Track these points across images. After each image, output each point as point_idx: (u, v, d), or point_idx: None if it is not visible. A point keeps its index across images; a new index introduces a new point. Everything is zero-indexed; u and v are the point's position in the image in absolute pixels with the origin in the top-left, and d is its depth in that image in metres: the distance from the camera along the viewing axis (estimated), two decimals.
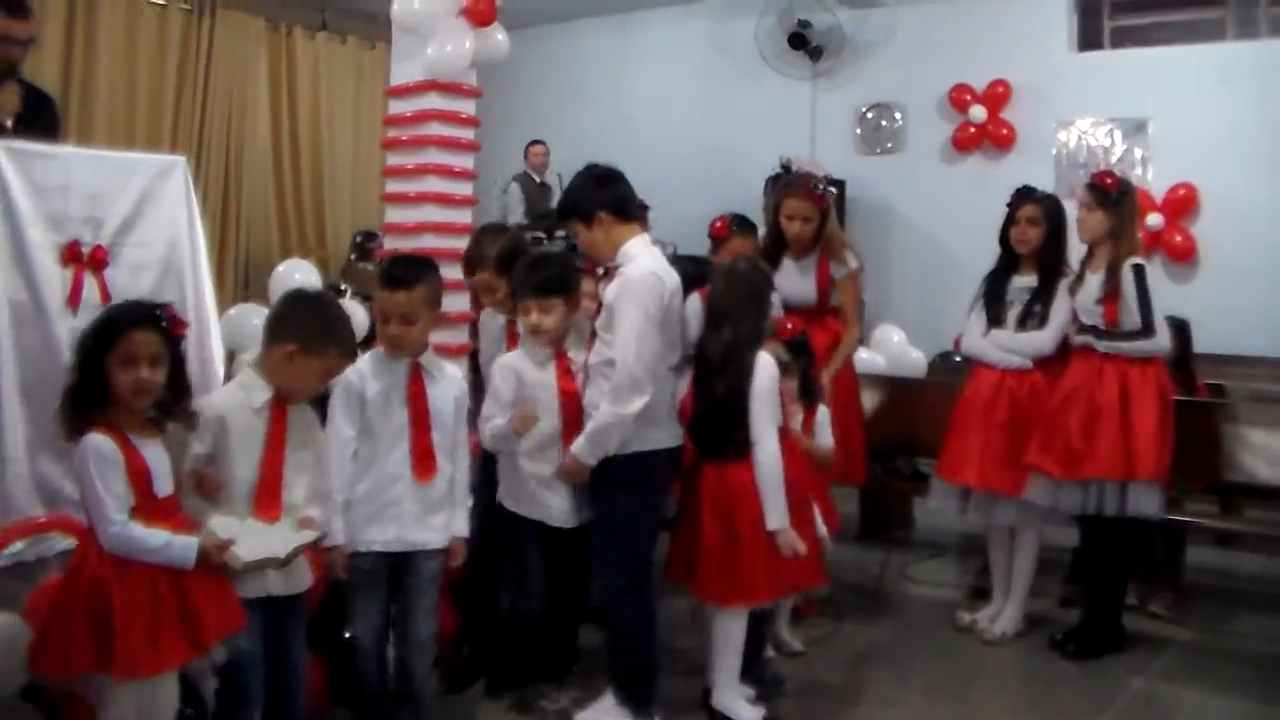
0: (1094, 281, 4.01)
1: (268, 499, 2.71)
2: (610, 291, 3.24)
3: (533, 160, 8.80)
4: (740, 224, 4.32)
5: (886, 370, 5.49)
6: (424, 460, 3.00)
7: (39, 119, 3.97)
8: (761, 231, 4.45)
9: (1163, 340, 3.96)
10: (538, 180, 8.77)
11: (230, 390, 2.80)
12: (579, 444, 3.22)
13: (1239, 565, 5.29)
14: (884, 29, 8.39)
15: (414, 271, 3.03)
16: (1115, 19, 7.88)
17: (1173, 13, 7.70)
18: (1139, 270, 3.93)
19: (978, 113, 7.90)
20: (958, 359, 5.75)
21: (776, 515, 3.22)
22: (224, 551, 2.51)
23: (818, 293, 4.38)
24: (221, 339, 3.92)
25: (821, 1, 8.28)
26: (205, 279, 3.71)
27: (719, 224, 4.31)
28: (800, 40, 8.41)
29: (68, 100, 7.87)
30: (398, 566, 3.03)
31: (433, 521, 3.03)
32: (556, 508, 3.31)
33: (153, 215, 3.51)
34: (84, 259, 3.33)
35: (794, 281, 4.34)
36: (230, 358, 4.09)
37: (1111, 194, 4.01)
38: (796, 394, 3.77)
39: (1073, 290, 4.07)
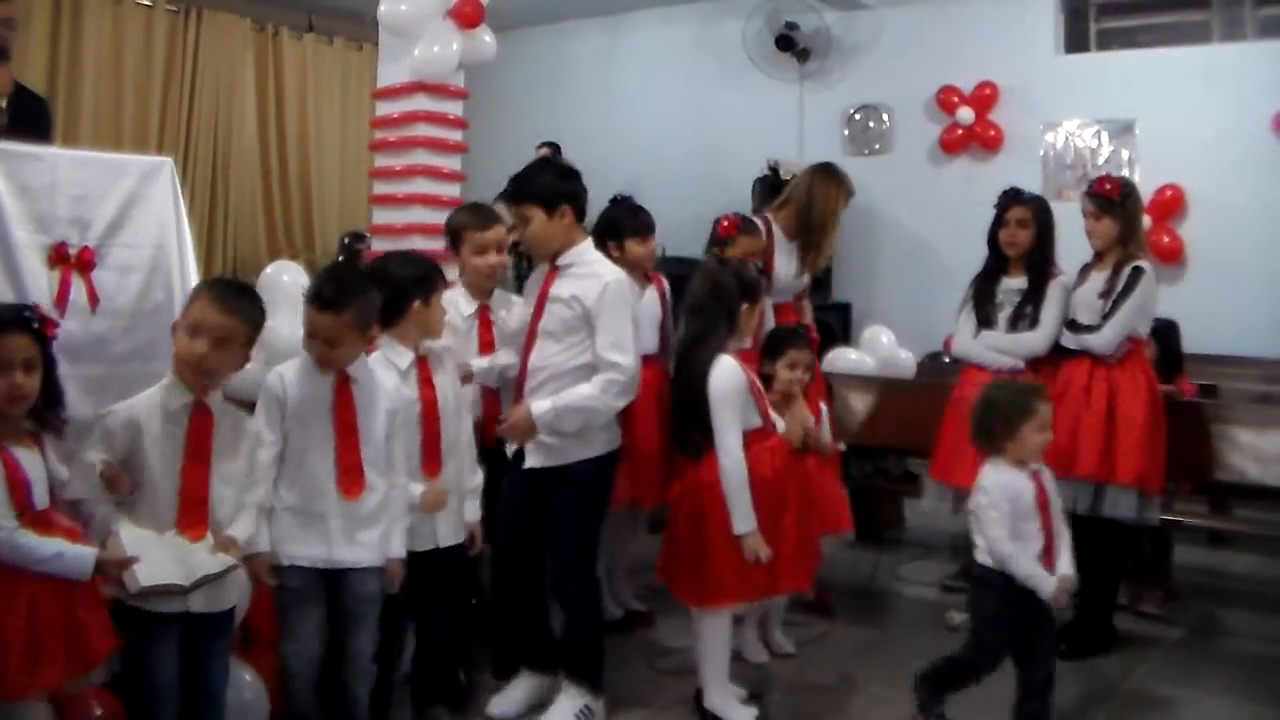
0: (1098, 279, 4.03)
1: (191, 515, 2.54)
2: (586, 293, 3.21)
3: None
4: (745, 224, 4.33)
5: (876, 371, 5.48)
6: (350, 475, 2.83)
7: (33, 122, 3.95)
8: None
9: (1103, 342, 3.96)
10: None
11: (150, 393, 2.61)
12: (546, 408, 3.17)
13: (1229, 565, 5.31)
14: (871, 31, 8.39)
15: (344, 294, 2.82)
16: (1101, 21, 7.89)
17: (1159, 15, 7.70)
18: (1136, 271, 3.95)
19: (965, 114, 7.90)
20: (947, 360, 5.75)
21: (740, 519, 3.21)
22: (124, 568, 2.36)
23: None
24: None
25: (808, 3, 8.28)
26: (193, 280, 3.67)
27: (725, 223, 4.29)
28: (788, 42, 8.40)
29: (53, 101, 7.79)
30: (332, 585, 2.87)
31: (362, 539, 2.85)
32: (442, 532, 3.15)
33: (140, 216, 3.48)
34: (71, 260, 3.31)
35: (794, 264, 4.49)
36: None
37: (1115, 199, 4.02)
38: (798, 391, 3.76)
39: (1076, 286, 4.09)
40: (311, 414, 2.83)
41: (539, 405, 3.20)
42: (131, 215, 3.44)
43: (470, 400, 3.40)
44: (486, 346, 3.56)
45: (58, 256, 3.29)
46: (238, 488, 2.67)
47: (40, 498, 2.36)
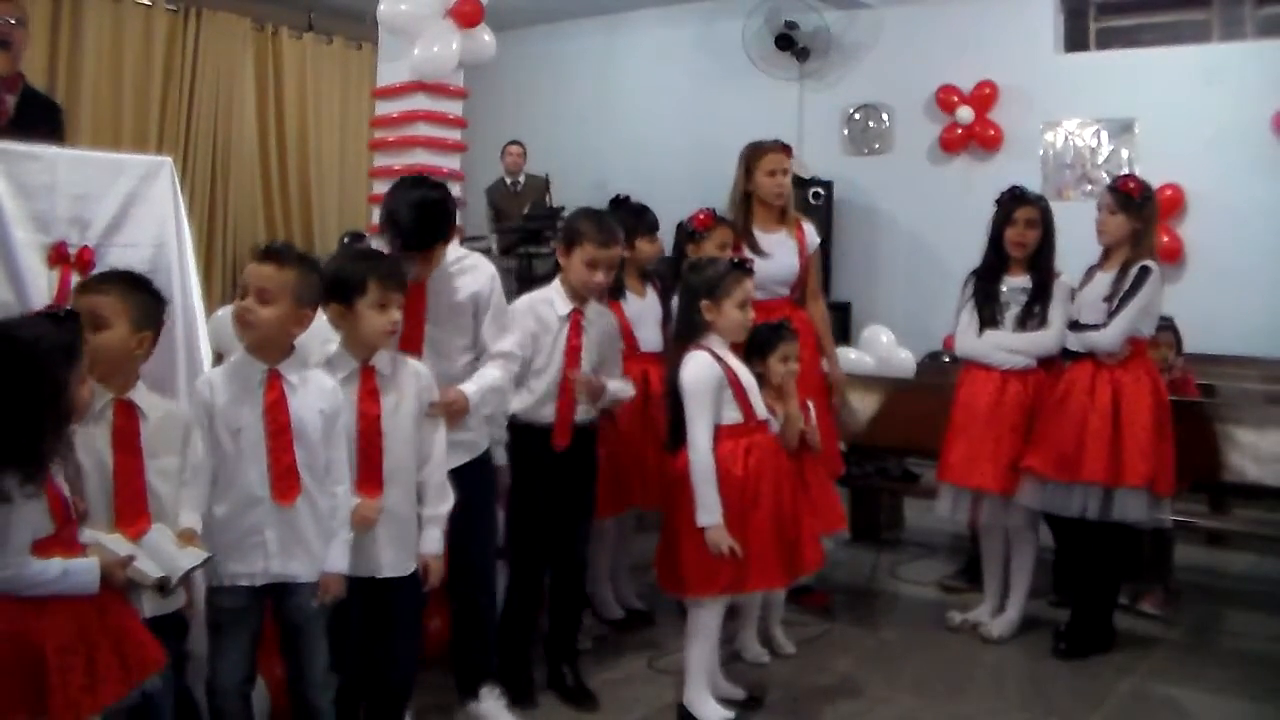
0: (1104, 280, 4.02)
1: (128, 511, 2.44)
2: (480, 286, 3.21)
3: (508, 161, 8.63)
4: (718, 217, 4.32)
5: (875, 371, 5.48)
6: (285, 479, 2.64)
7: (43, 125, 3.94)
8: None
9: (1108, 340, 3.96)
10: (509, 182, 8.58)
11: None
12: (474, 390, 3.12)
13: (1228, 564, 5.31)
14: (871, 30, 8.40)
15: (293, 254, 2.71)
16: (1101, 20, 7.90)
17: (1158, 14, 7.72)
18: (1144, 270, 3.95)
19: (965, 114, 7.91)
20: (947, 359, 5.75)
21: (704, 511, 3.20)
22: (126, 567, 2.28)
23: (800, 266, 4.38)
24: (209, 341, 3.89)
25: (808, 3, 8.29)
26: (193, 280, 3.67)
27: (702, 216, 4.31)
28: (787, 41, 8.41)
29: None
30: (273, 601, 2.71)
31: (299, 552, 2.67)
32: (385, 562, 2.91)
33: (140, 216, 3.47)
34: (71, 260, 3.30)
35: (778, 255, 4.33)
36: (218, 360, 4.06)
37: (1135, 199, 4.02)
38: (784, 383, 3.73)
39: (1080, 288, 4.09)
40: (241, 416, 2.66)
41: (468, 387, 3.12)
42: (131, 215, 3.43)
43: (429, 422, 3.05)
44: (572, 353, 3.46)
45: (57, 256, 3.29)
46: (176, 483, 2.57)
47: (74, 508, 2.27)
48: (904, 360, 5.71)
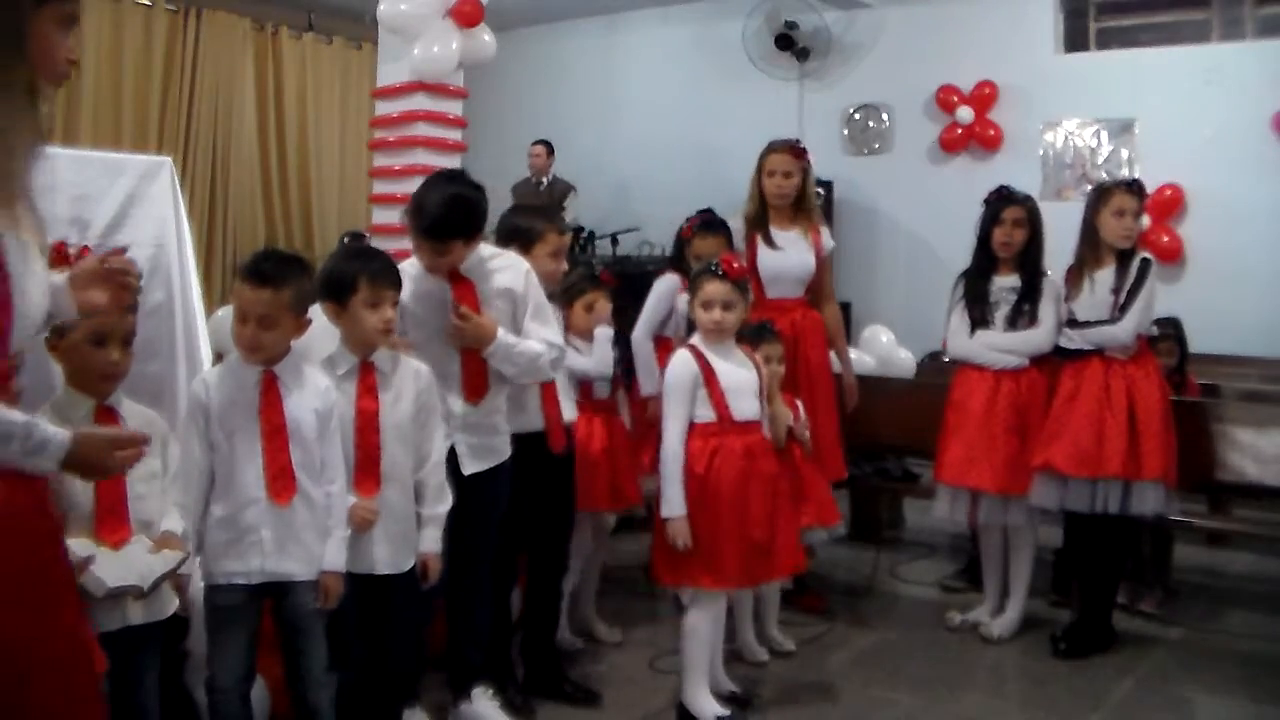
0: (1105, 275, 4.02)
1: (109, 520, 2.44)
2: (514, 281, 3.24)
3: (532, 162, 8.46)
4: (703, 225, 4.29)
5: (875, 370, 5.47)
6: (280, 479, 2.65)
7: None
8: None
9: (1125, 332, 3.96)
10: (534, 181, 8.46)
11: (44, 411, 2.42)
12: (505, 334, 3.13)
13: (1228, 564, 5.31)
14: (871, 30, 8.40)
15: (283, 269, 2.68)
16: (1101, 20, 7.90)
17: (1158, 14, 7.72)
18: (1145, 263, 3.98)
19: (965, 114, 7.91)
20: (947, 359, 5.75)
21: (665, 503, 3.27)
22: (83, 572, 2.22)
23: (816, 263, 4.38)
24: (209, 340, 3.90)
25: (808, 2, 8.29)
26: (193, 280, 3.68)
27: (684, 227, 4.34)
28: (787, 41, 8.42)
29: (53, 100, 7.82)
30: (273, 601, 2.71)
31: (296, 550, 2.68)
32: (381, 559, 2.92)
33: (139, 216, 3.48)
34: (71, 260, 3.30)
35: (791, 251, 4.33)
36: (218, 359, 4.07)
37: (1146, 198, 4.09)
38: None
39: (1071, 289, 4.09)
40: (237, 417, 2.67)
41: (503, 333, 3.13)
42: (131, 215, 3.44)
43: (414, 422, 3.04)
44: None
45: (57, 256, 3.29)
46: (158, 486, 2.59)
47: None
48: (904, 360, 5.71)
